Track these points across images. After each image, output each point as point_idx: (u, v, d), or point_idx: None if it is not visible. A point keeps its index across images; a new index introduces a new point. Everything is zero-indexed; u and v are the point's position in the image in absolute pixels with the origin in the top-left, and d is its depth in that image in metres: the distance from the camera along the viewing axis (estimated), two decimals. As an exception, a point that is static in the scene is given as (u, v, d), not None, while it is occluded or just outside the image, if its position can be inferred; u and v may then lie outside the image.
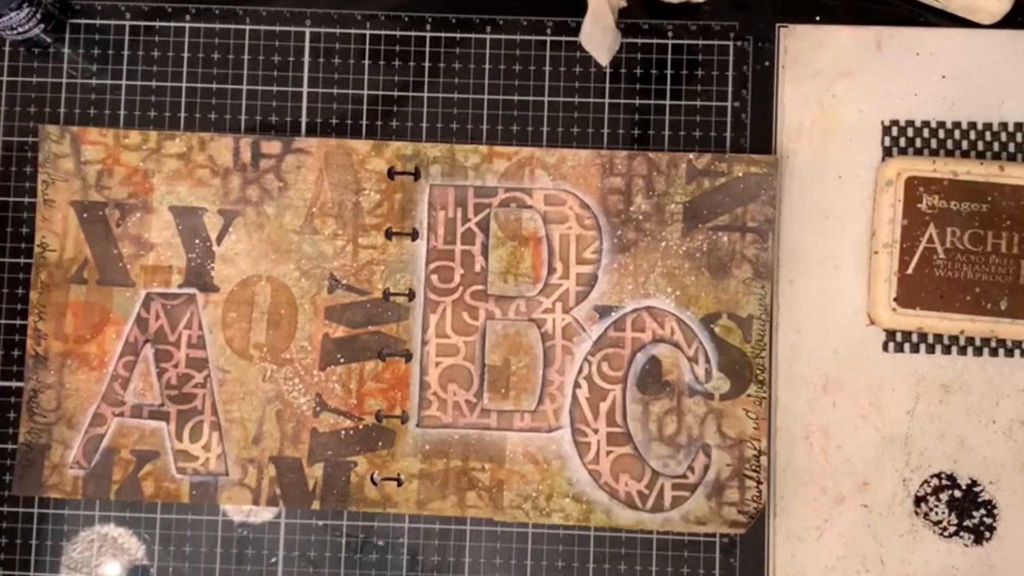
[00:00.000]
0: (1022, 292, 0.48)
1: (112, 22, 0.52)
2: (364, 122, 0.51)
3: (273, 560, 0.50)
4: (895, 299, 0.48)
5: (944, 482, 0.49)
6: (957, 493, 0.49)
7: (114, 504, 0.50)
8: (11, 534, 0.50)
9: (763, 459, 0.49)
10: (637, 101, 0.51)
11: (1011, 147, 0.50)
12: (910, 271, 0.48)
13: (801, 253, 0.50)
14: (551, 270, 0.50)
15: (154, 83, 0.52)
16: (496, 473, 0.49)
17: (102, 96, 0.52)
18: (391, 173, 0.50)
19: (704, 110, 0.51)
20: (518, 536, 0.49)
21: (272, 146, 0.51)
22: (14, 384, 0.51)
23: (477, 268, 0.50)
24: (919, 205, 0.49)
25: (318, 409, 0.50)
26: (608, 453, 0.49)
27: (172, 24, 0.52)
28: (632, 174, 0.50)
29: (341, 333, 0.50)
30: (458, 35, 0.51)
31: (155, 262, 0.50)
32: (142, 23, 0.52)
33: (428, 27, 0.52)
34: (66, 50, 0.52)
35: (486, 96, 0.51)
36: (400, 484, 0.49)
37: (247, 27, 0.52)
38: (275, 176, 0.51)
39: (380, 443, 0.50)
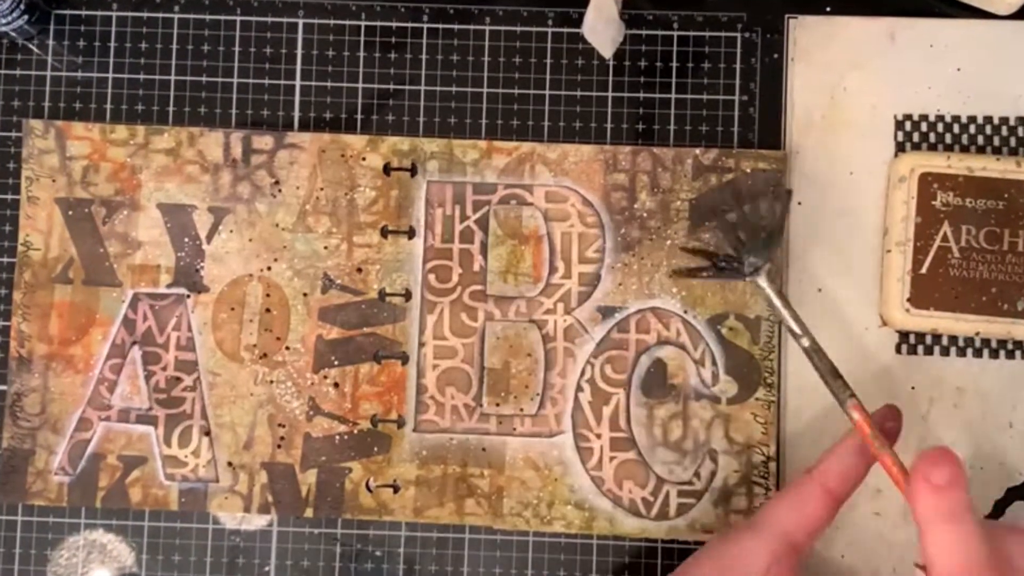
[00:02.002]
0: (1040, 292, 0.47)
1: (98, 13, 0.50)
2: (359, 116, 0.50)
3: (266, 569, 0.48)
4: (908, 299, 0.47)
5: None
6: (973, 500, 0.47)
7: (100, 511, 0.48)
8: (-6, 543, 0.49)
9: (772, 465, 0.47)
10: (641, 95, 0.50)
11: (1028, 142, 0.49)
12: (924, 270, 0.47)
13: (811, 252, 0.49)
14: (552, 269, 0.49)
15: (142, 76, 0.50)
16: (495, 479, 0.48)
17: (88, 89, 0.50)
18: (387, 169, 0.49)
19: (711, 104, 0.50)
20: (518, 545, 0.48)
21: (264, 141, 0.49)
22: (-3, 388, 0.49)
23: (476, 267, 0.49)
24: (933, 202, 0.47)
25: (311, 413, 0.48)
26: (611, 459, 0.48)
27: (160, 15, 0.50)
28: (636, 170, 0.49)
29: (335, 335, 0.49)
30: (456, 26, 0.50)
31: (143, 261, 0.49)
32: (129, 14, 0.50)
33: (425, 18, 0.50)
34: (50, 42, 0.50)
35: (485, 89, 0.50)
36: (396, 491, 0.48)
37: (238, 18, 0.50)
38: (267, 172, 0.49)
39: (376, 448, 0.48)
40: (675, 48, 0.50)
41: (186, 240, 0.49)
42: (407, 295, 0.49)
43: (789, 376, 0.48)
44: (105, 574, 0.48)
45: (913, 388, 0.48)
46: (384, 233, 0.49)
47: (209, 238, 0.49)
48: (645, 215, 0.49)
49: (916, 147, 0.49)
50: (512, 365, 0.48)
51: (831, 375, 0.42)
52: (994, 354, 0.48)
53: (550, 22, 0.50)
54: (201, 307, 0.49)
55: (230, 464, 0.48)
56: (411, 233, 0.49)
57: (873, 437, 0.41)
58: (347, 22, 0.50)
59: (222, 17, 0.50)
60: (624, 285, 0.48)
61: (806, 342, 0.43)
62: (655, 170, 0.49)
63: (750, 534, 0.42)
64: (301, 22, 0.50)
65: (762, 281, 0.44)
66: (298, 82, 0.50)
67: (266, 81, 0.50)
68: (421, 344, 0.49)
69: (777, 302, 0.44)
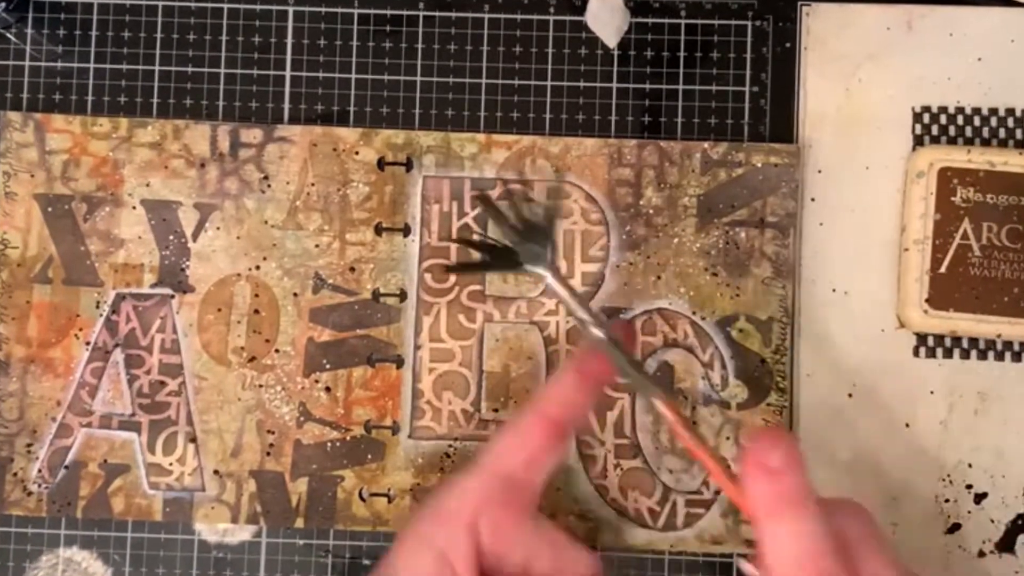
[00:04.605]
0: (1065, 293, 0.45)
1: (79, 0, 0.49)
2: (352, 108, 0.48)
3: (254, 581, 0.46)
4: (927, 300, 0.45)
5: (980, 498, 0.46)
6: (994, 509, 0.46)
7: (81, 522, 0.46)
8: (-31, 555, 0.47)
9: (784, 473, 0.46)
10: (647, 86, 0.48)
11: (1052, 136, 0.47)
12: (943, 270, 0.45)
13: (825, 250, 0.47)
14: (554, 269, 0.47)
15: (125, 66, 0.48)
16: (495, 488, 0.46)
17: (68, 80, 0.48)
18: (381, 164, 0.47)
19: (720, 95, 0.48)
20: (519, 557, 0.46)
21: (252, 135, 0.47)
22: (-28, 392, 0.47)
23: (474, 267, 0.47)
24: (953, 198, 0.46)
25: (302, 419, 0.46)
26: (616, 467, 0.46)
27: (144, 2, 0.49)
28: (642, 165, 0.47)
29: (327, 337, 0.47)
30: (454, 14, 0.48)
31: (126, 260, 0.47)
32: (111, 1, 0.49)
33: (421, 5, 0.48)
34: (29, 30, 0.48)
35: (484, 80, 0.48)
36: (391, 500, 0.46)
37: (225, 5, 0.48)
38: (256, 167, 0.47)
39: (369, 456, 0.46)
40: (683, 37, 0.48)
41: (171, 238, 0.47)
42: (402, 295, 0.47)
43: (801, 380, 0.47)
44: (88, 586, 0.46)
45: (932, 393, 0.46)
46: (378, 231, 0.47)
47: (195, 236, 0.47)
48: (651, 212, 0.47)
49: (935, 141, 0.47)
50: (512, 369, 0.47)
51: (633, 368, 0.39)
52: (1016, 357, 0.46)
53: (552, 10, 0.48)
54: (187, 308, 0.47)
55: (217, 472, 0.46)
56: (406, 231, 0.47)
57: (685, 430, 0.38)
58: (339, 9, 0.49)
59: (208, 4, 0.48)
60: (629, 285, 0.47)
61: (602, 334, 0.39)
62: (662, 164, 0.47)
63: (466, 475, 0.39)
64: (291, 9, 0.49)
65: (541, 269, 0.40)
66: (288, 72, 0.48)
67: (255, 71, 0.48)
68: (417, 347, 0.47)
69: (561, 291, 0.40)
